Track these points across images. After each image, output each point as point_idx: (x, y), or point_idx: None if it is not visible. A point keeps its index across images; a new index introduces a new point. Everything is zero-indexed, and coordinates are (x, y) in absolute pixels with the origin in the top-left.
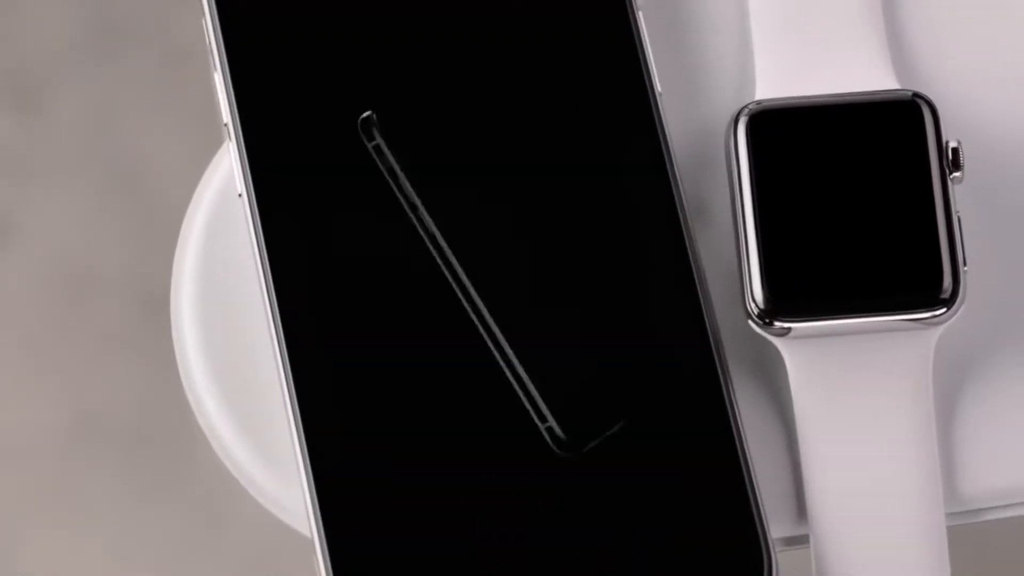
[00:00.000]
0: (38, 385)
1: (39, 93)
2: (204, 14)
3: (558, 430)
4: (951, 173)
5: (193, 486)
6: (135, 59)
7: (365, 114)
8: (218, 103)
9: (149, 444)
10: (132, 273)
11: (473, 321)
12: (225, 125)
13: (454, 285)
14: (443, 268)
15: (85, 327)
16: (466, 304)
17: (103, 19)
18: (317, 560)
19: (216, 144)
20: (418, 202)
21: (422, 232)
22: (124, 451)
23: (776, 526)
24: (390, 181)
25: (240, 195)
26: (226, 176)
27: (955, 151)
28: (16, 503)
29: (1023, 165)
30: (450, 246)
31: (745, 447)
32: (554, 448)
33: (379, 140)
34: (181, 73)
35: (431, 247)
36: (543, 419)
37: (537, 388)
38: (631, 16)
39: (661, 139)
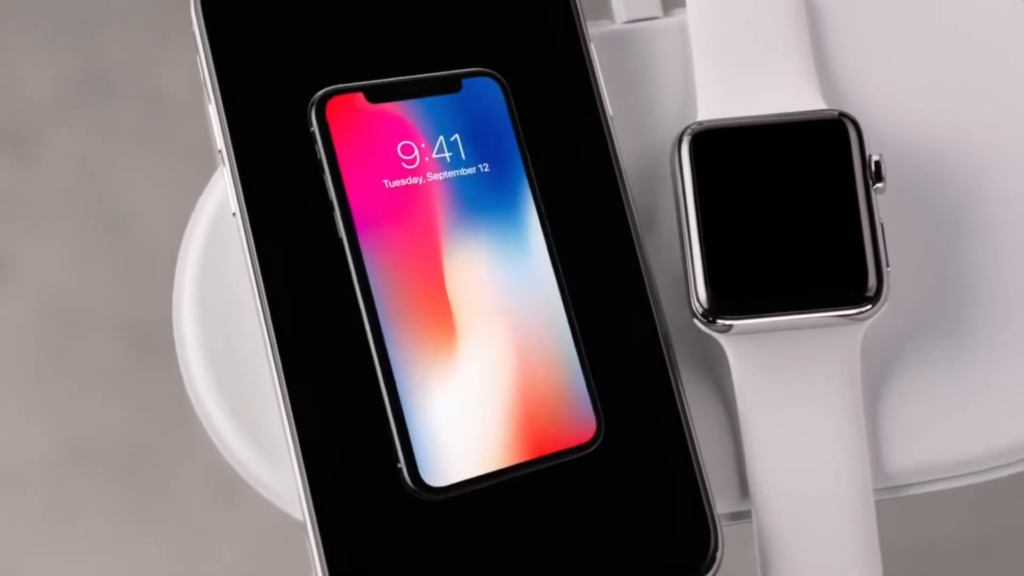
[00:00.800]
0: (30, 416)
1: (31, 140)
2: (199, 53)
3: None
4: (874, 184)
5: (182, 508)
6: (119, 108)
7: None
8: (212, 132)
9: (139, 470)
10: (119, 308)
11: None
12: (219, 151)
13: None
14: (353, 273)
15: (75, 360)
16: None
17: (89, 71)
18: (310, 541)
19: (196, 185)
20: (335, 202)
21: (344, 237)
22: (115, 478)
23: (722, 503)
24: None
25: (234, 213)
26: (221, 197)
27: (878, 164)
28: (13, 530)
29: (939, 176)
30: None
31: (693, 433)
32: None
33: (314, 127)
34: (162, 120)
35: (348, 251)
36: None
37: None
38: (584, 50)
39: (613, 158)
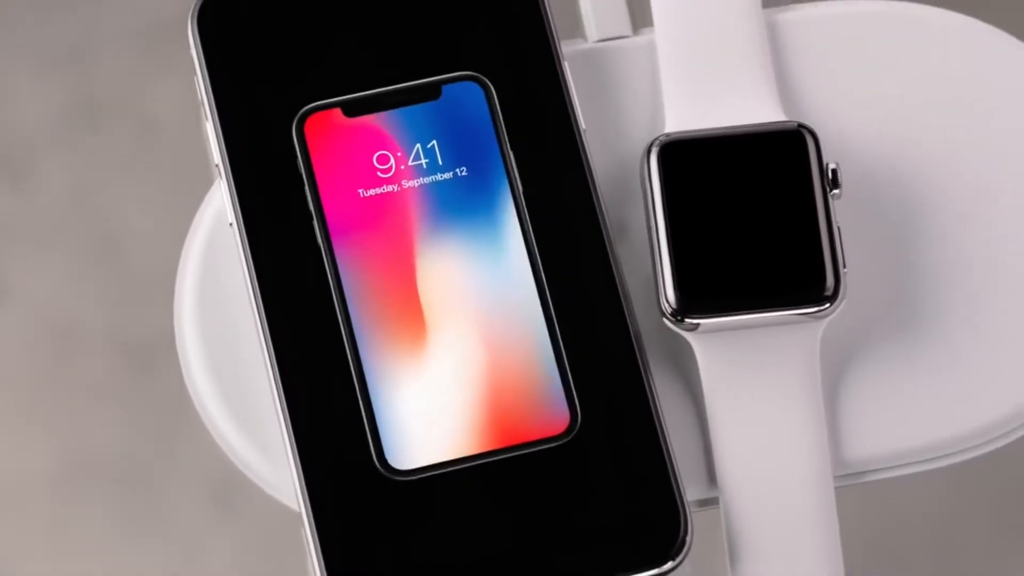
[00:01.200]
0: (29, 431)
1: (26, 167)
2: (196, 75)
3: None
4: (831, 191)
5: (177, 517)
6: (110, 134)
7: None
8: (209, 148)
9: (135, 482)
10: (114, 327)
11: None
12: (216, 166)
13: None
14: (330, 280)
15: (71, 378)
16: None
17: (81, 98)
18: (305, 532)
19: (186, 208)
20: (312, 212)
21: (321, 244)
22: (112, 490)
23: (691, 489)
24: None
25: (231, 224)
26: (218, 209)
27: (834, 172)
28: (13, 542)
29: (893, 184)
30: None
31: (663, 424)
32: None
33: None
34: (152, 144)
35: (326, 259)
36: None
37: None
38: (558, 67)
39: (586, 169)
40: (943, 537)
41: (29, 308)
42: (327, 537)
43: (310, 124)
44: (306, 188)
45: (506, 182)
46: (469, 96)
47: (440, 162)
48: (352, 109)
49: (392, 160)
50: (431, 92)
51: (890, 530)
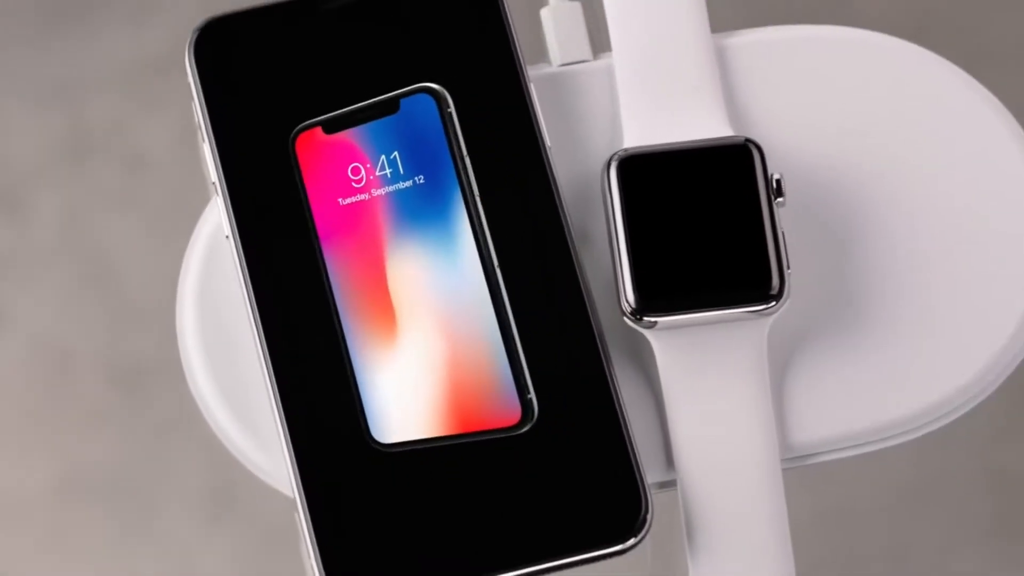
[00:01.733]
0: (26, 452)
1: (20, 200)
2: (193, 100)
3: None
4: (776, 199)
5: (169, 529)
6: (102, 166)
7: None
8: (206, 167)
9: (127, 497)
10: (107, 350)
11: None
12: (213, 183)
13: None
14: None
15: (67, 398)
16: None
17: (73, 133)
18: (299, 516)
19: (175, 237)
20: (306, 219)
21: (314, 247)
22: (106, 505)
23: (651, 473)
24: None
25: (227, 236)
26: (215, 223)
27: (778, 182)
28: (12, 557)
29: (833, 192)
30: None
31: (624, 413)
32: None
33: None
34: (141, 176)
35: (321, 264)
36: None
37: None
38: (525, 89)
39: (551, 182)
40: (895, 529)
41: (26, 333)
42: (317, 513)
43: (299, 142)
44: (300, 198)
45: (458, 188)
46: (423, 108)
47: (401, 171)
48: (329, 126)
49: (363, 171)
50: (391, 107)
51: (839, 509)
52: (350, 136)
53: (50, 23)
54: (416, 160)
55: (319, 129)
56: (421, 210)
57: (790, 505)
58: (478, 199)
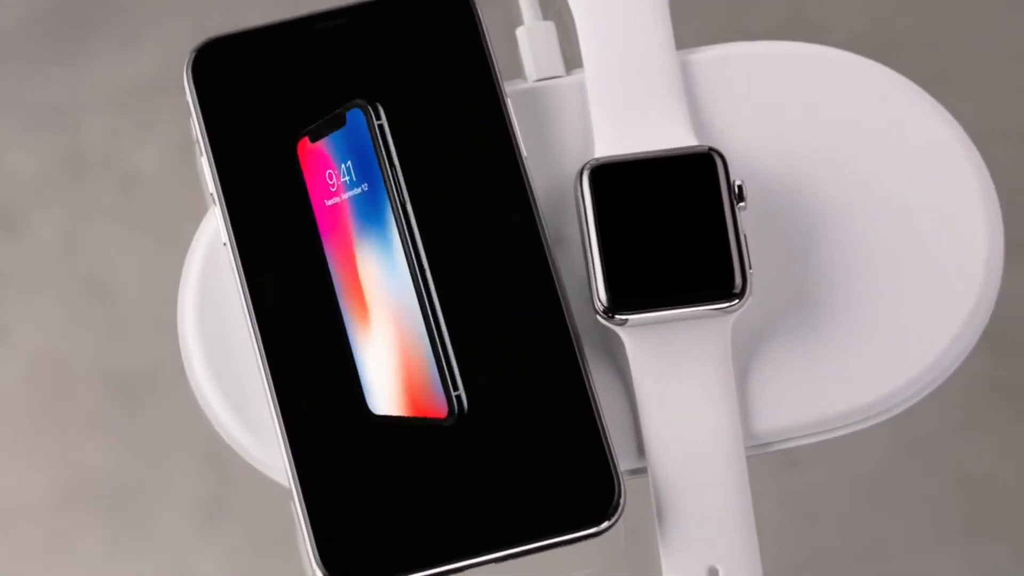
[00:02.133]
0: (27, 461)
1: (18, 219)
2: (191, 116)
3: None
4: (738, 204)
5: (166, 535)
6: (97, 186)
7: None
8: (204, 180)
9: (125, 504)
10: (103, 363)
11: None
12: (211, 194)
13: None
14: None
15: (65, 409)
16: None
17: (69, 154)
18: (295, 503)
19: (168, 253)
20: (313, 223)
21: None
22: (104, 512)
23: (623, 461)
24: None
25: (224, 244)
26: (213, 231)
27: (740, 188)
28: (13, 563)
29: (793, 197)
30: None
31: (598, 405)
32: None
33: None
34: (135, 196)
35: (332, 265)
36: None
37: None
38: (502, 103)
39: (528, 189)
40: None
41: (25, 346)
42: (312, 500)
43: (300, 148)
44: (303, 199)
45: (386, 197)
46: (359, 122)
47: (354, 179)
48: (312, 136)
49: (335, 177)
50: (340, 120)
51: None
52: (324, 145)
53: (46, 50)
54: (360, 170)
55: (306, 138)
56: (367, 216)
57: (764, 509)
58: (408, 207)
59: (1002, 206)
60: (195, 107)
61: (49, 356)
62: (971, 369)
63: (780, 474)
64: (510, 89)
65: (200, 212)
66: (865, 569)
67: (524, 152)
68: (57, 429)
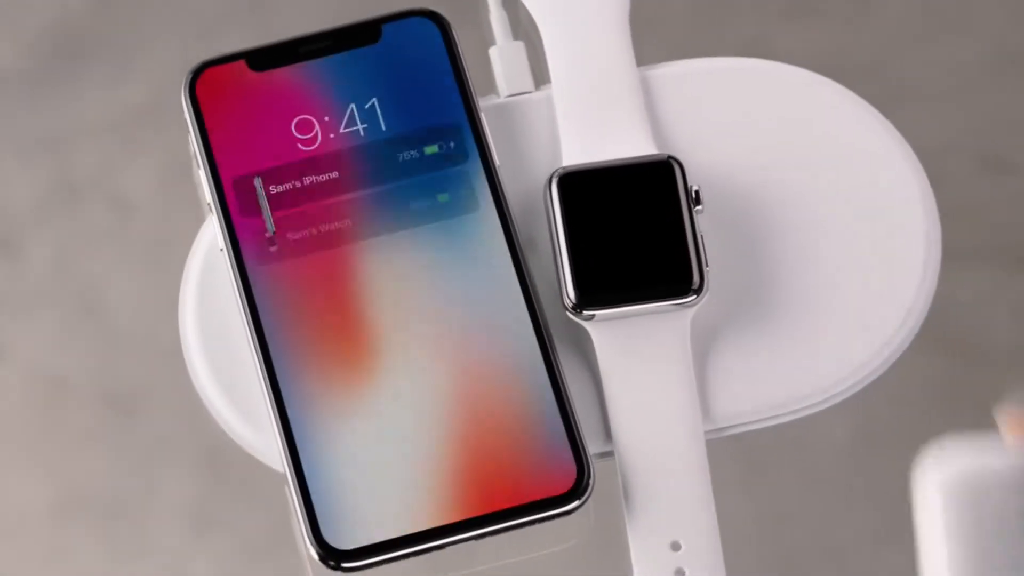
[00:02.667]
0: (25, 473)
1: (13, 241)
2: (189, 131)
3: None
4: (695, 207)
5: (159, 542)
6: (88, 208)
7: None
8: (202, 190)
9: (119, 513)
10: (98, 377)
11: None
12: (208, 204)
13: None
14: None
15: (62, 423)
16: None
17: (62, 180)
18: (289, 487)
19: (159, 272)
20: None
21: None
22: (100, 521)
23: (592, 445)
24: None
25: (221, 249)
26: (211, 239)
27: (697, 192)
28: (14, 569)
29: (744, 200)
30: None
31: (568, 394)
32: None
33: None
34: (126, 219)
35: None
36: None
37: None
38: (476, 117)
39: (501, 196)
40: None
41: (23, 362)
42: (303, 485)
43: (204, 82)
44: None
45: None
46: (428, 34)
47: (383, 125)
48: (258, 61)
49: (323, 123)
50: (357, 36)
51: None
52: (296, 74)
53: (38, 84)
54: (403, 110)
55: (243, 62)
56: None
57: (733, 514)
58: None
59: (946, 213)
60: (192, 123)
61: (45, 371)
62: (922, 372)
63: (745, 477)
64: (484, 104)
65: (188, 232)
66: (828, 567)
67: (497, 162)
68: (54, 441)
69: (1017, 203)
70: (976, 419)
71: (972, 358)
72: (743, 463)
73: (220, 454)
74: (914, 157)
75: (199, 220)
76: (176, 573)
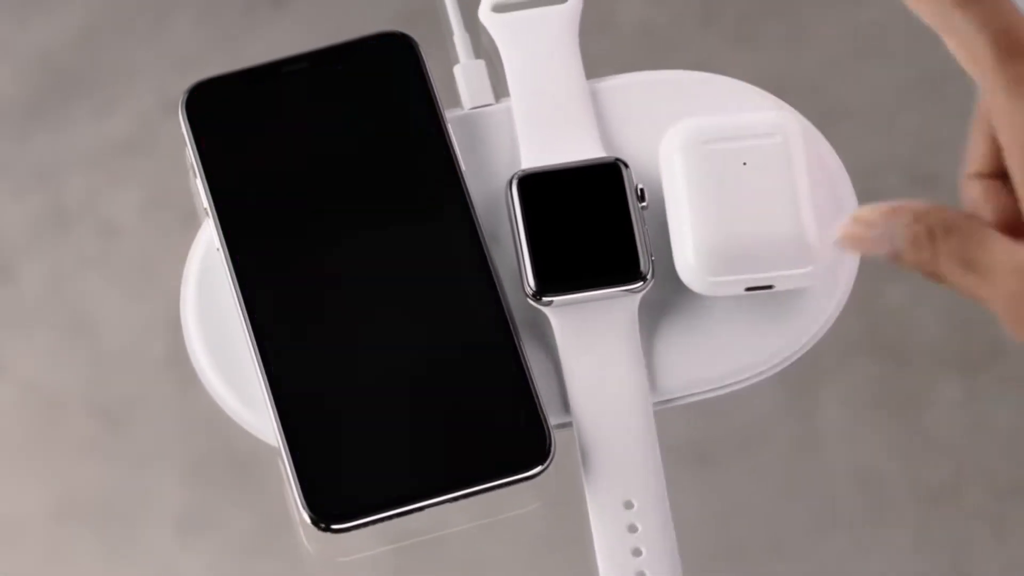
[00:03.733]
0: (22, 483)
1: (11, 266)
2: (187, 145)
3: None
4: (640, 203)
5: (151, 547)
6: (78, 235)
7: None
8: (200, 196)
9: (112, 519)
10: (90, 392)
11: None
12: (205, 209)
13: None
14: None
15: (58, 435)
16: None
17: (53, 208)
18: (283, 459)
19: (147, 294)
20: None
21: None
22: (94, 528)
23: (552, 416)
24: None
25: (218, 249)
26: (208, 240)
27: (642, 190)
28: (13, 573)
29: None
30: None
31: (530, 372)
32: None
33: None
34: (114, 243)
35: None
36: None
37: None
38: (444, 127)
39: (467, 196)
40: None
41: (19, 380)
42: (296, 456)
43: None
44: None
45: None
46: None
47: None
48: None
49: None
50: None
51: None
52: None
53: (29, 119)
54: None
55: None
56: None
57: (684, 506)
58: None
59: None
60: (188, 137)
61: (40, 387)
62: (864, 377)
63: (695, 471)
64: (450, 116)
65: (171, 254)
66: (774, 558)
67: (463, 167)
68: (48, 452)
69: None
70: (908, 415)
71: (902, 358)
72: (691, 462)
73: (208, 461)
74: (837, 159)
75: (182, 242)
76: (168, 573)
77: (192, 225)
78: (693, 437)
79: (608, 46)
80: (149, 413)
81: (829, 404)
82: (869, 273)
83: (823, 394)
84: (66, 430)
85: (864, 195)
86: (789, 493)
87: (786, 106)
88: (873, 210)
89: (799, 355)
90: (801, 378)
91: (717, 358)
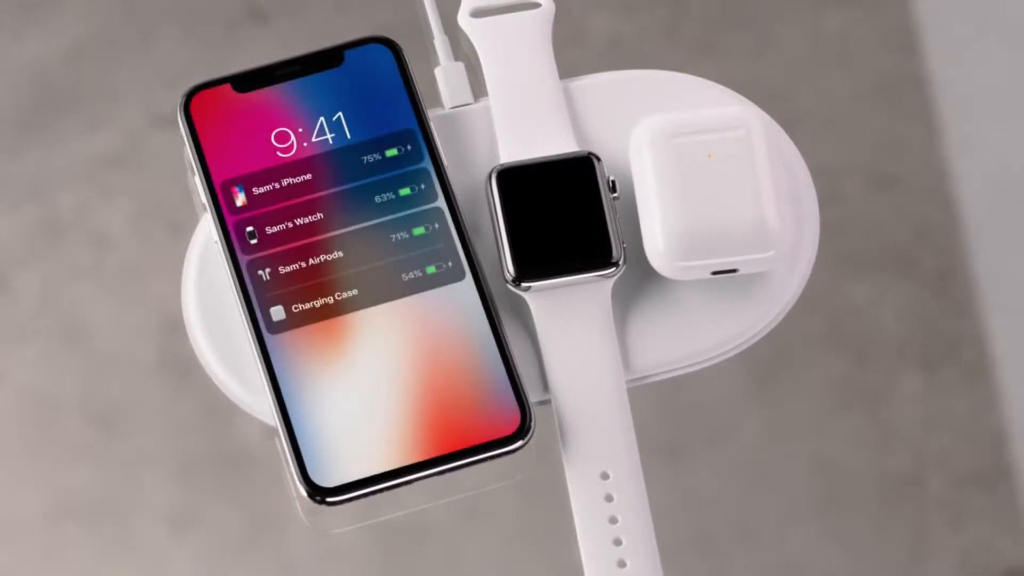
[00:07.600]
0: (19, 486)
1: (6, 276)
2: (185, 143)
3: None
4: (612, 195)
5: (143, 546)
6: (71, 246)
7: None
8: (198, 192)
9: (105, 520)
10: (84, 397)
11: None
12: (202, 204)
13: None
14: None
15: (53, 439)
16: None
17: (44, 218)
18: (280, 438)
19: (139, 301)
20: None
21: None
22: (88, 528)
23: (532, 394)
24: None
25: (215, 241)
26: (206, 233)
27: (613, 183)
28: (10, 573)
29: None
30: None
31: (511, 353)
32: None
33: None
34: (106, 253)
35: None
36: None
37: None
38: (426, 125)
39: (450, 190)
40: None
41: (15, 386)
42: (292, 436)
43: (197, 104)
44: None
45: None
46: (379, 60)
47: (348, 134)
48: (243, 84)
49: (298, 134)
50: (329, 59)
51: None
52: (276, 95)
53: (22, 134)
54: (363, 120)
55: (228, 86)
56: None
57: (656, 496)
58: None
59: (843, 225)
60: (187, 137)
61: (36, 393)
62: (827, 371)
63: (666, 463)
64: (432, 114)
65: (160, 263)
66: (743, 545)
67: (446, 161)
68: (45, 456)
69: (901, 213)
70: (870, 408)
71: (864, 353)
72: (661, 455)
73: (197, 462)
74: (801, 160)
75: (172, 251)
76: (160, 570)
77: (181, 235)
78: (664, 430)
79: (579, 57)
80: (141, 416)
81: (794, 398)
82: (832, 272)
83: (788, 388)
84: (61, 434)
85: (828, 198)
86: (756, 483)
87: (748, 101)
88: None
89: (763, 334)
90: (767, 373)
91: (686, 338)
